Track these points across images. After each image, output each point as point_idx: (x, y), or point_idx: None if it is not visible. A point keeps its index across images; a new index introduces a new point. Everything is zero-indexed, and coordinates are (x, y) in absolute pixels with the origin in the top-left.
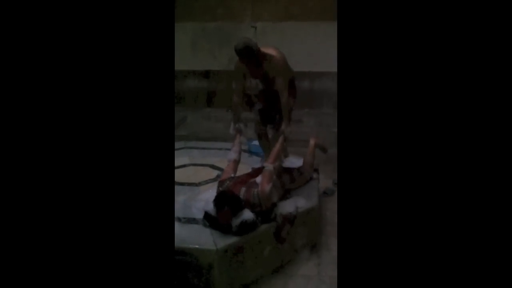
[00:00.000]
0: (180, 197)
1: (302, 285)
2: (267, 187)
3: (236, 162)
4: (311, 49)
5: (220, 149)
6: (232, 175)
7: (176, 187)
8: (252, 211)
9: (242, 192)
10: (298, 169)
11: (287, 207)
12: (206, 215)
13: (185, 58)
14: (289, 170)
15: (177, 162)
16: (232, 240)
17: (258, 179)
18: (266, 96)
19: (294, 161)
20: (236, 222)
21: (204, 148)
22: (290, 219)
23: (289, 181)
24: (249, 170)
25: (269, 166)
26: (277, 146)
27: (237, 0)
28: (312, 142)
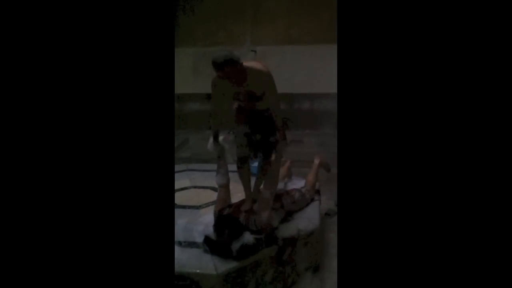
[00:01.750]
0: (181, 220)
1: None
2: (264, 216)
3: (227, 186)
4: (311, 71)
5: (233, 171)
6: (229, 203)
7: (177, 210)
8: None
9: (241, 217)
10: (300, 190)
11: (289, 230)
12: (206, 239)
13: (187, 82)
14: (290, 192)
15: (178, 185)
16: (232, 264)
17: (256, 206)
18: (251, 116)
19: (296, 182)
20: (236, 246)
21: (205, 170)
22: (292, 242)
23: (290, 203)
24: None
25: (266, 192)
26: (274, 169)
27: (237, 24)
28: (316, 161)
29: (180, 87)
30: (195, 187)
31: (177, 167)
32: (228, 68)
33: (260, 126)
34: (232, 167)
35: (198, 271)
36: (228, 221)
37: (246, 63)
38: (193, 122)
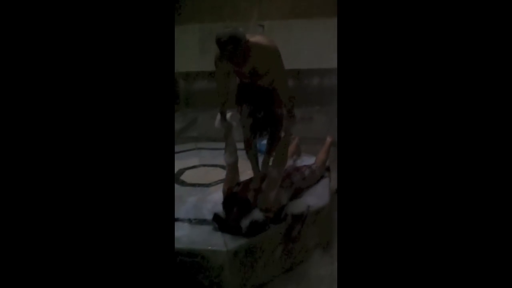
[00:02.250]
0: (191, 198)
1: (314, 286)
2: (272, 195)
3: (235, 165)
4: (320, 45)
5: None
6: (237, 181)
7: (187, 188)
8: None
9: (250, 195)
10: (310, 166)
11: (298, 206)
12: (215, 217)
13: (193, 60)
14: (299, 169)
15: (187, 163)
16: (242, 241)
17: (264, 184)
18: (255, 96)
19: (306, 160)
20: (245, 223)
21: (214, 149)
22: (301, 219)
23: (300, 179)
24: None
25: (273, 171)
26: (283, 147)
27: None
28: (329, 139)
29: (187, 65)
30: (204, 165)
31: (186, 146)
32: (232, 47)
33: (264, 102)
34: (241, 145)
35: (208, 247)
36: (236, 199)
37: (251, 39)
38: (201, 100)
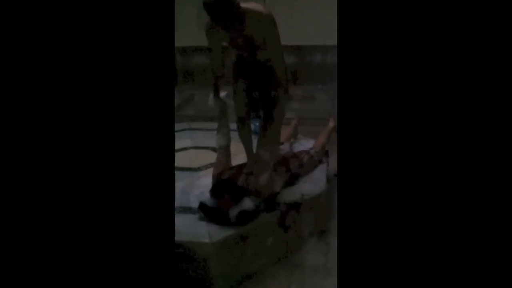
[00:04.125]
0: (178, 183)
1: (308, 276)
2: (263, 178)
3: (228, 148)
4: (323, 22)
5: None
6: (229, 165)
7: (175, 173)
8: (253, 199)
9: (241, 180)
10: (308, 152)
11: (292, 194)
12: (201, 205)
13: (191, 34)
14: (297, 155)
15: (177, 145)
16: (229, 232)
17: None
18: (251, 69)
19: (304, 143)
20: (234, 212)
21: (208, 130)
22: (295, 208)
23: (297, 166)
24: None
25: (264, 154)
26: (274, 128)
27: None
28: (331, 124)
29: (184, 39)
30: (195, 147)
31: (178, 126)
32: (224, 10)
33: (261, 80)
34: (234, 126)
35: (191, 239)
36: (226, 185)
37: (243, 4)
38: (199, 77)
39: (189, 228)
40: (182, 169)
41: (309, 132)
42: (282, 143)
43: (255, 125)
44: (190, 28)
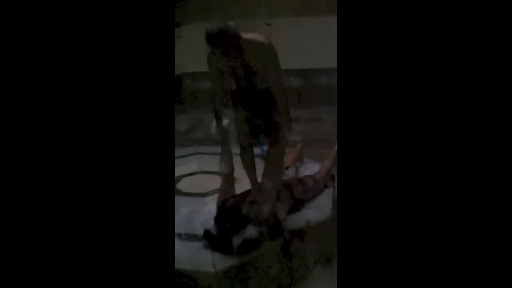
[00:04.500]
0: (184, 209)
1: None
2: (266, 208)
3: (231, 175)
4: (330, 44)
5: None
6: (232, 193)
7: (181, 198)
8: (257, 227)
9: (244, 208)
10: (313, 176)
11: (297, 221)
12: (206, 233)
13: (200, 59)
14: (302, 179)
15: (185, 170)
16: (233, 261)
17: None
18: (250, 97)
19: (309, 167)
20: (237, 241)
21: (216, 154)
22: (300, 234)
23: (301, 192)
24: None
25: (267, 182)
26: (277, 156)
27: None
28: (337, 147)
29: (194, 64)
30: (202, 172)
31: (186, 150)
32: (224, 42)
33: (262, 108)
34: (237, 151)
35: (195, 268)
36: (230, 213)
37: (244, 35)
38: (207, 101)
39: (192, 257)
40: (189, 194)
41: (315, 155)
42: (288, 168)
43: (262, 150)
44: (198, 53)
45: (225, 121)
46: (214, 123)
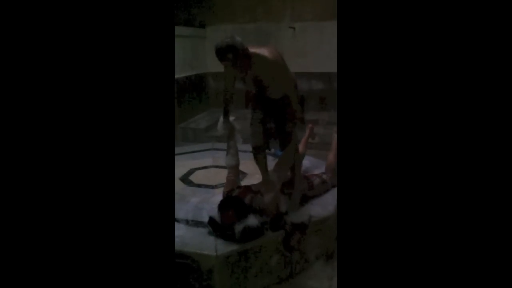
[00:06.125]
0: (194, 199)
1: None
2: (268, 197)
3: (237, 168)
4: None
5: (245, 151)
6: (238, 184)
7: (192, 189)
8: (259, 217)
9: (248, 198)
10: (320, 176)
11: (299, 216)
12: (210, 220)
13: None
14: (308, 177)
15: (200, 164)
16: (235, 246)
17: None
18: (263, 103)
19: (317, 165)
20: (239, 228)
21: None
22: (301, 228)
23: (307, 188)
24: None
25: (273, 175)
26: (287, 155)
27: None
28: (335, 135)
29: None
30: (216, 166)
31: (202, 146)
32: (231, 56)
33: (274, 114)
34: (242, 147)
35: (197, 251)
36: (233, 202)
37: (252, 49)
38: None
39: (197, 241)
40: (200, 186)
41: (322, 156)
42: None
43: (276, 151)
44: None
45: (231, 118)
46: (221, 119)
